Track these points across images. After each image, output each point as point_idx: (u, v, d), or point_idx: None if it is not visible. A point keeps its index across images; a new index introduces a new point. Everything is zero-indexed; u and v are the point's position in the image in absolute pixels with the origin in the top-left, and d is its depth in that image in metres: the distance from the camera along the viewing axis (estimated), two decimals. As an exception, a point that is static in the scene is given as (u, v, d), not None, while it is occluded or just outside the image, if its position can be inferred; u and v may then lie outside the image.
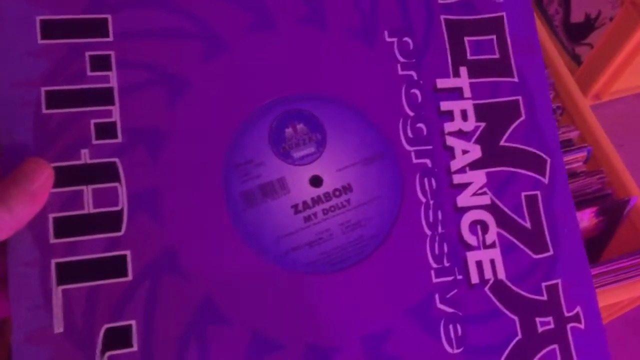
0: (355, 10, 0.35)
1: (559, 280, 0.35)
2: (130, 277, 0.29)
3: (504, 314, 0.33)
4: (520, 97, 0.37)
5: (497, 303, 0.33)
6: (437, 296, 0.33)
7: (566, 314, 0.34)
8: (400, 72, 0.35)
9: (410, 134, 0.34)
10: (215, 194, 0.31)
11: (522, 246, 0.34)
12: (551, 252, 0.35)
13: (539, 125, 0.37)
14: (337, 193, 0.33)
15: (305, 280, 0.31)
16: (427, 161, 0.34)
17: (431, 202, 0.34)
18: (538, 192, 0.36)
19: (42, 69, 0.30)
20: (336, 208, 0.33)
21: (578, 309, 0.34)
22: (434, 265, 0.33)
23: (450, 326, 0.32)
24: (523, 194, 0.35)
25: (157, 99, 0.31)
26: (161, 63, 0.32)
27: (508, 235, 0.34)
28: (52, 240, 0.29)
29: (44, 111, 0.30)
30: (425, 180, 0.34)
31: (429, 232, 0.33)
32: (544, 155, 0.36)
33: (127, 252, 0.30)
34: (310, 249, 0.32)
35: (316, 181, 0.33)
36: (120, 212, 0.30)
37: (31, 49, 0.30)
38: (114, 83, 0.31)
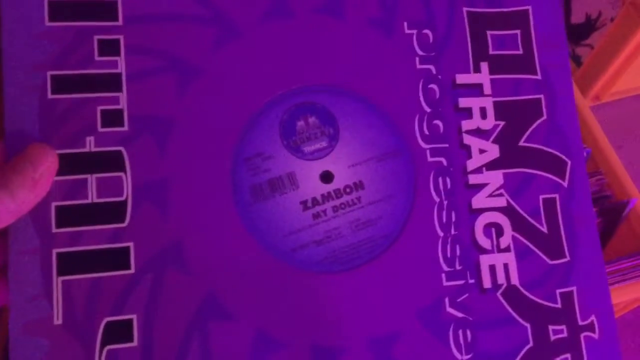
0: None
1: (574, 288, 0.33)
2: (132, 270, 0.29)
3: (515, 321, 0.32)
4: (542, 96, 0.35)
5: (509, 309, 0.32)
6: (447, 300, 0.32)
7: (580, 323, 0.33)
8: (419, 66, 0.34)
9: (426, 131, 0.33)
10: (223, 187, 0.30)
11: (537, 251, 0.33)
12: (567, 259, 0.34)
13: (560, 126, 0.35)
14: (348, 190, 0.32)
15: (312, 279, 0.31)
16: (443, 160, 0.33)
17: (445, 202, 0.33)
18: (557, 196, 0.34)
19: (49, 53, 0.29)
20: (346, 205, 0.32)
21: (592, 318, 0.33)
22: (445, 268, 0.32)
23: (460, 331, 0.31)
24: (541, 197, 0.34)
25: (166, 87, 0.30)
26: (171, 49, 0.31)
27: (523, 240, 0.33)
28: (54, 230, 0.28)
29: (50, 96, 0.29)
30: (440, 179, 0.33)
31: (441, 234, 0.32)
32: (564, 157, 0.35)
33: (131, 244, 0.29)
34: (318, 247, 0.31)
35: (327, 177, 0.32)
36: (124, 203, 0.29)
37: (38, 31, 0.29)
38: (122, 69, 0.30)
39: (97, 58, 0.30)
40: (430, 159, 0.33)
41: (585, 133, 0.56)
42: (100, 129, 0.29)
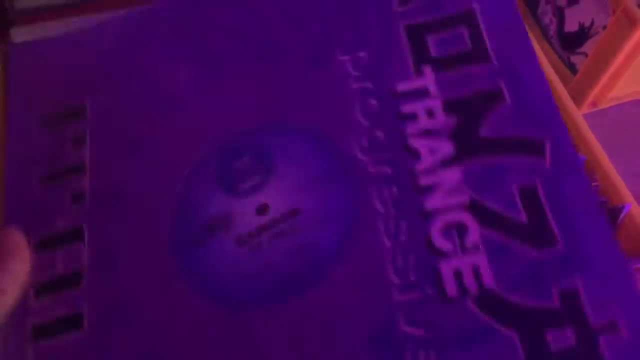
0: (301, 35, 0.34)
1: (577, 281, 0.26)
2: (84, 331, 0.30)
3: (495, 331, 0.26)
4: (502, 81, 0.31)
5: (486, 318, 0.26)
6: (400, 317, 0.27)
7: (593, 324, 0.25)
8: (354, 85, 0.33)
9: (365, 144, 0.31)
10: (161, 241, 0.31)
11: (517, 245, 0.27)
12: (560, 247, 0.27)
13: (530, 106, 0.30)
14: (284, 218, 0.30)
15: (255, 315, 0.29)
16: (386, 168, 0.30)
17: (392, 211, 0.29)
18: (536, 180, 0.28)
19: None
20: (283, 233, 0.30)
21: (613, 315, 0.25)
22: (396, 281, 0.27)
23: (421, 352, 0.26)
24: (514, 185, 0.29)
25: (119, 161, 0.34)
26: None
27: (497, 235, 0.28)
28: (32, 303, 0.31)
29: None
30: (385, 189, 0.30)
31: (389, 245, 0.28)
32: (539, 138, 0.29)
33: (85, 307, 0.30)
34: (258, 281, 0.29)
35: (263, 209, 0.31)
36: (81, 271, 0.31)
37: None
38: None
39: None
40: (371, 170, 0.30)
41: (580, 141, 0.54)
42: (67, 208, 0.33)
